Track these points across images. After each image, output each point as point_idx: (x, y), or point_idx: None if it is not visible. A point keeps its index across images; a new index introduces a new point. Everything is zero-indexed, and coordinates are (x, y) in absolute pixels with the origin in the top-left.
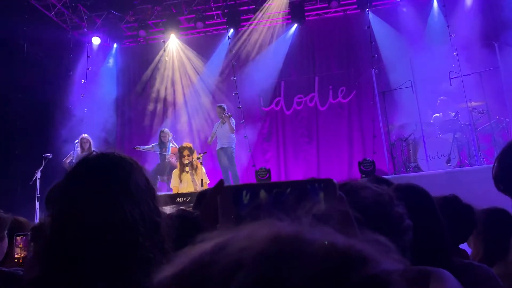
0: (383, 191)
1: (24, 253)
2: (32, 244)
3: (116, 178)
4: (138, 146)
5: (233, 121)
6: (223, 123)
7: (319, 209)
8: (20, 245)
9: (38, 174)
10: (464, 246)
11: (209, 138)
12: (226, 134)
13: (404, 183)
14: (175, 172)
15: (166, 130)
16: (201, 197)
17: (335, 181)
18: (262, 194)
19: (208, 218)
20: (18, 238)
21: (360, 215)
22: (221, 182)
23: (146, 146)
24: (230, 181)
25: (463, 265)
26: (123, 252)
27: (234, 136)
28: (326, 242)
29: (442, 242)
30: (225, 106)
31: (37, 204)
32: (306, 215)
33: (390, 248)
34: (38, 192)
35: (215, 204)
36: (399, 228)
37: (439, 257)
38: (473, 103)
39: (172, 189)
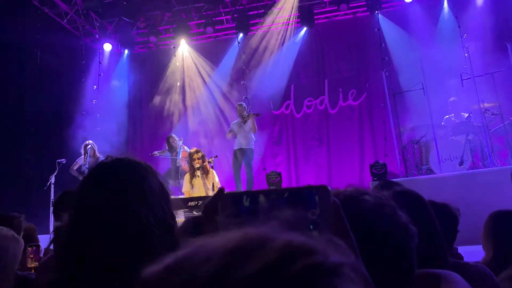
0: (384, 201)
1: (35, 263)
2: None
3: (131, 182)
4: (155, 152)
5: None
6: (245, 122)
7: (288, 216)
8: (31, 256)
9: (52, 179)
10: (479, 249)
11: (228, 134)
12: (246, 134)
13: (400, 188)
14: (187, 177)
15: (174, 135)
16: None
17: (329, 187)
18: (261, 199)
19: (209, 224)
20: (29, 248)
21: (364, 228)
22: (221, 190)
23: (159, 152)
24: (241, 184)
25: (459, 265)
26: (137, 255)
27: (254, 137)
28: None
29: (439, 244)
30: (245, 105)
31: (51, 209)
32: (275, 220)
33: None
34: (52, 197)
35: (216, 210)
36: (406, 235)
37: (436, 259)
38: (486, 105)
39: (184, 193)
